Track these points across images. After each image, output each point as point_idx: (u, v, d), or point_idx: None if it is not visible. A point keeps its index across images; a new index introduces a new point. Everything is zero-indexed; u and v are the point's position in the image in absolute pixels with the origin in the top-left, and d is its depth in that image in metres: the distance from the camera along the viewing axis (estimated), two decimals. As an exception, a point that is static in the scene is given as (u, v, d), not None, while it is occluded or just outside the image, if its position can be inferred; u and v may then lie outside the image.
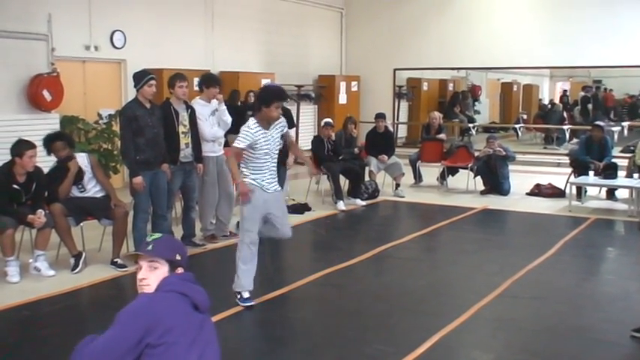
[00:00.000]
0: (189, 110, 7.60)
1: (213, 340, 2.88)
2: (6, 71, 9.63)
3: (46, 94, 9.80)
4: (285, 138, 6.15)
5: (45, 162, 7.28)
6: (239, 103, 12.68)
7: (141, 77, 7.06)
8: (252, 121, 5.84)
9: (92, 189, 7.26)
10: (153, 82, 7.06)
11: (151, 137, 7.01)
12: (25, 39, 9.79)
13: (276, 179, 6.08)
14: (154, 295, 2.82)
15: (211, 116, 7.94)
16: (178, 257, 2.93)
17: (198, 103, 7.83)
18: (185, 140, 7.51)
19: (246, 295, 5.94)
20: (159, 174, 7.17)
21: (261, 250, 7.92)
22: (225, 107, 8.05)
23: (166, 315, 2.71)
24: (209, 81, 8.01)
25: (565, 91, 23.35)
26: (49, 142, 7.08)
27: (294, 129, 14.55)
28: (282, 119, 6.01)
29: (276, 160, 6.04)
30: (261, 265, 7.64)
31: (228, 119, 8.06)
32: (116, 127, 10.53)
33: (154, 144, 7.06)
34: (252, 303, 5.91)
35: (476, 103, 21.20)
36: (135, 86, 7.10)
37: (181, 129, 7.45)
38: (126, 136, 7.01)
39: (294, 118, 13.22)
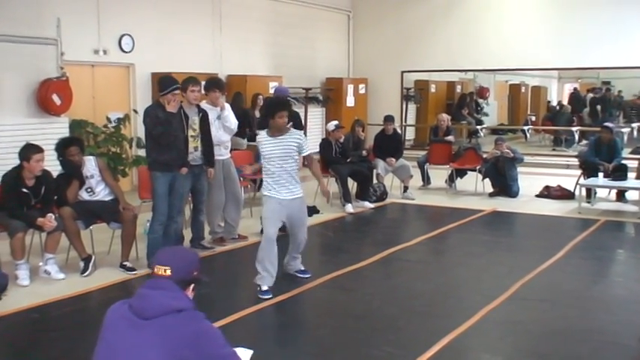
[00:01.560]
0: (201, 114, 7.61)
1: (144, 346, 2.78)
2: (16, 75, 9.67)
3: (55, 98, 9.83)
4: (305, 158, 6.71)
5: (54, 166, 7.30)
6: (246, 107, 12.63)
7: (167, 84, 7.03)
8: (261, 133, 6.52)
9: (101, 192, 7.29)
10: (178, 92, 7.07)
11: (171, 140, 7.04)
12: (34, 43, 9.81)
13: (294, 186, 6.47)
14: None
15: (216, 120, 7.96)
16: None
17: (205, 108, 7.85)
18: (194, 144, 7.51)
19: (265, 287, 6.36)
20: (177, 176, 7.21)
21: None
22: (228, 113, 8.04)
23: (105, 315, 2.96)
24: (208, 85, 8.06)
25: (575, 88, 23.25)
26: (64, 147, 7.11)
27: (302, 131, 14.60)
28: (297, 133, 6.60)
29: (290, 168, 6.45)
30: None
31: (232, 124, 8.07)
32: (125, 131, 10.59)
33: (174, 146, 7.09)
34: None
35: (483, 104, 21.15)
36: (160, 91, 7.09)
37: (190, 132, 7.46)
38: (153, 135, 7.03)
39: (302, 121, 13.26)
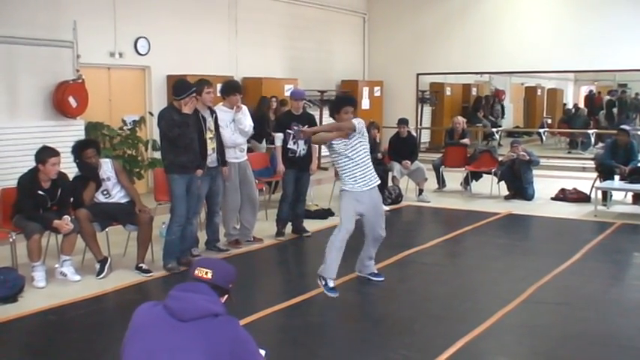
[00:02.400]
0: (214, 115, 7.65)
1: (185, 348, 2.79)
2: (32, 78, 9.74)
3: (71, 100, 9.89)
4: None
5: (71, 168, 7.34)
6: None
7: (185, 89, 7.04)
8: None
9: (117, 194, 7.32)
10: (194, 95, 7.10)
11: (187, 142, 7.06)
12: (51, 46, 9.88)
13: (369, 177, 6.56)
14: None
15: (232, 123, 7.99)
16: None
17: (220, 110, 7.88)
18: (212, 145, 7.55)
19: (331, 284, 6.44)
20: (193, 178, 7.23)
21: (285, 256, 7.92)
22: (242, 116, 8.05)
23: (135, 315, 2.96)
24: (229, 89, 8.07)
25: (591, 90, 23.15)
26: (80, 149, 7.14)
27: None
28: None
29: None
30: (285, 270, 7.68)
31: (246, 127, 8.08)
32: (140, 134, 10.64)
33: (190, 149, 7.11)
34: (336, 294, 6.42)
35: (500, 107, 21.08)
36: (176, 95, 7.06)
37: (208, 135, 7.49)
38: (169, 137, 7.01)
39: (317, 124, 13.22)
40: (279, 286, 7.27)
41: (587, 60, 14.95)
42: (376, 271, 6.89)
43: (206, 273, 2.96)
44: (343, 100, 6.92)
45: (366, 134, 6.54)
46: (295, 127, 8.14)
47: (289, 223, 8.91)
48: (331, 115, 6.79)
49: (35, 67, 9.77)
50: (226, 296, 3.05)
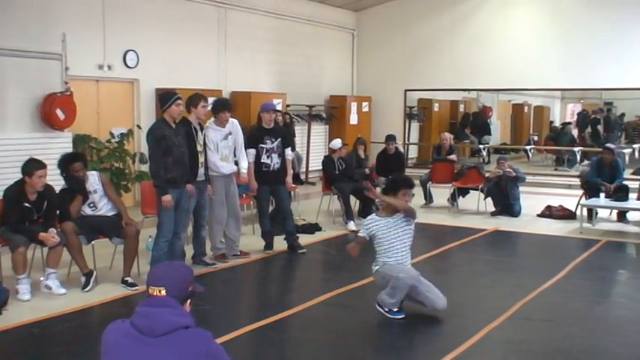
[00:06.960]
0: (203, 131, 7.68)
1: None
2: (20, 90, 9.70)
3: (59, 112, 9.85)
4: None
5: (58, 181, 7.31)
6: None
7: (168, 97, 7.11)
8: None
9: (104, 207, 7.29)
10: (180, 101, 7.12)
11: (178, 156, 7.07)
12: (39, 58, 9.86)
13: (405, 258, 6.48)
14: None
15: (224, 140, 7.99)
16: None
17: (211, 128, 7.89)
18: (200, 159, 7.55)
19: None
20: (183, 193, 7.22)
21: (272, 271, 7.91)
22: (238, 138, 8.14)
23: (105, 335, 2.90)
24: (219, 106, 8.07)
25: (584, 110, 23.29)
26: (67, 162, 7.12)
27: (305, 149, 14.63)
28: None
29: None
30: (271, 284, 7.66)
31: (239, 145, 8.17)
32: (128, 147, 10.62)
33: (181, 163, 7.12)
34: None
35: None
36: (162, 107, 7.14)
37: (198, 148, 7.50)
38: (156, 155, 7.04)
39: (292, 138, 13.21)
40: (265, 300, 7.24)
41: (574, 78, 15.07)
42: (395, 309, 6.25)
43: (159, 291, 2.87)
44: (403, 181, 6.65)
45: (414, 221, 6.45)
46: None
47: (284, 241, 8.86)
48: (385, 192, 6.57)
49: (23, 79, 9.74)
50: (189, 301, 2.99)
